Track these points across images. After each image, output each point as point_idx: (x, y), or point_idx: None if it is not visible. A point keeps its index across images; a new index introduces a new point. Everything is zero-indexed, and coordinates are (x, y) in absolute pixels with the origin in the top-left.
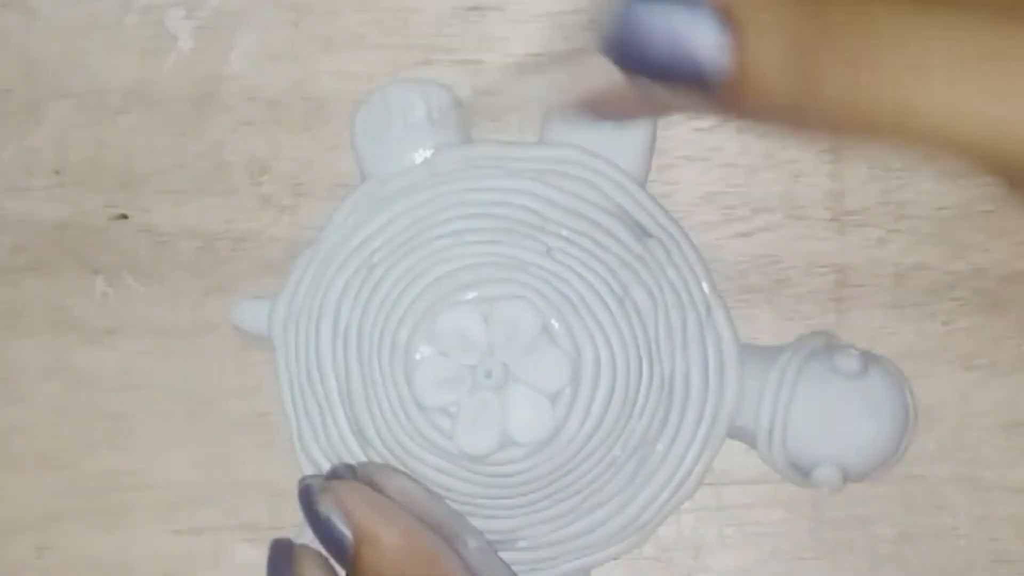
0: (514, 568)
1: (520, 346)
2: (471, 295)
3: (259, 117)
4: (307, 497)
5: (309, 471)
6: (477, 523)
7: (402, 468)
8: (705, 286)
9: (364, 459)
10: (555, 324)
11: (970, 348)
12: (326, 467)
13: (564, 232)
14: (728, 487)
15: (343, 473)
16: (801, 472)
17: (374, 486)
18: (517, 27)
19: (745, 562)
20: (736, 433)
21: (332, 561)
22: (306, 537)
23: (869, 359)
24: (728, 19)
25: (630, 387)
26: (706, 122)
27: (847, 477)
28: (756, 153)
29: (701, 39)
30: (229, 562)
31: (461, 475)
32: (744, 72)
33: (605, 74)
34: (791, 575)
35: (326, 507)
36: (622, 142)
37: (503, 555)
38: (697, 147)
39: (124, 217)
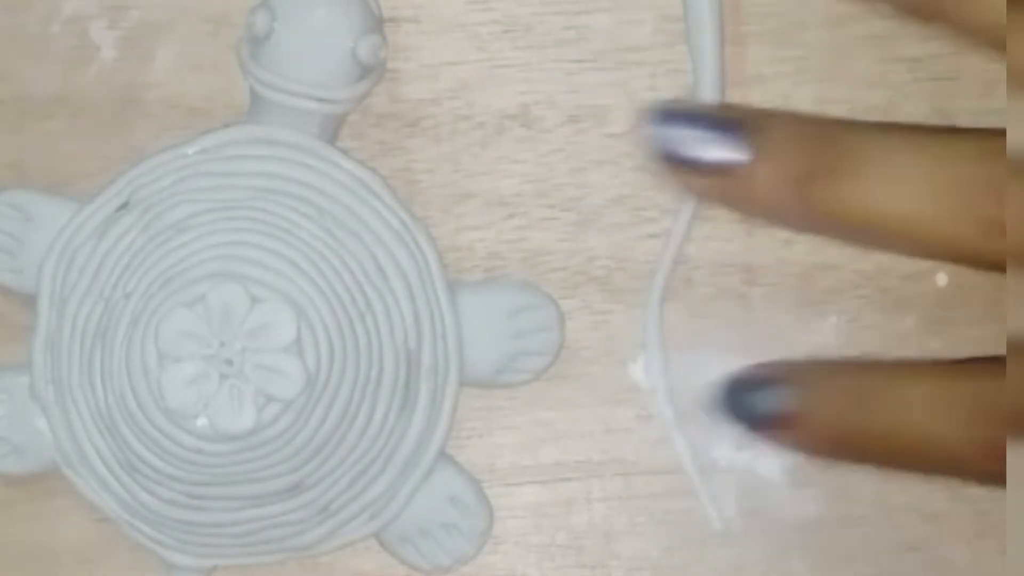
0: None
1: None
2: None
3: (180, 124)
4: None
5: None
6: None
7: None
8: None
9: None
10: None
11: (875, 345)
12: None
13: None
14: (638, 476)
15: None
16: None
17: None
18: (432, 38)
19: (655, 549)
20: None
21: None
22: None
23: None
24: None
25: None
26: (615, 128)
27: None
28: None
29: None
30: None
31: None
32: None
33: None
34: (700, 563)
35: None
36: None
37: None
38: (609, 151)
39: None
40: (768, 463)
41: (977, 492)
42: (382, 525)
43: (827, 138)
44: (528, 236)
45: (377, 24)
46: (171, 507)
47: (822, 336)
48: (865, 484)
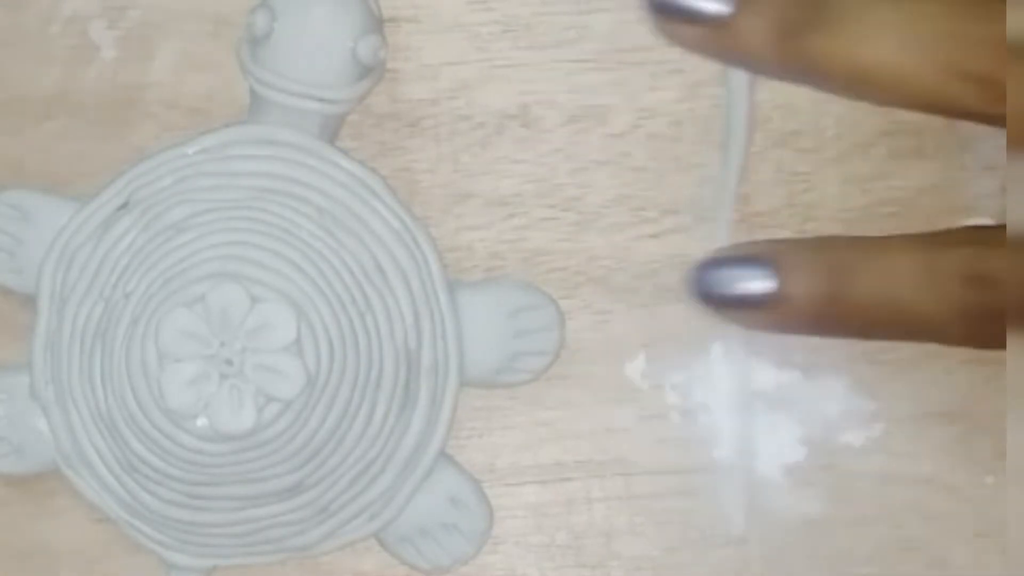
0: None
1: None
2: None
3: (180, 124)
4: None
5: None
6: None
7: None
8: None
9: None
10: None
11: (876, 343)
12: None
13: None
14: (638, 476)
15: None
16: None
17: None
18: (432, 38)
19: (655, 550)
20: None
21: None
22: None
23: None
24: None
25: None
26: (617, 127)
27: None
28: (665, 157)
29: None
30: None
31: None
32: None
33: None
34: (700, 563)
35: None
36: None
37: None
38: (608, 151)
39: None
40: (768, 463)
41: (977, 492)
42: (382, 525)
43: None
44: (528, 236)
45: (377, 24)
46: (171, 507)
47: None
48: (865, 484)
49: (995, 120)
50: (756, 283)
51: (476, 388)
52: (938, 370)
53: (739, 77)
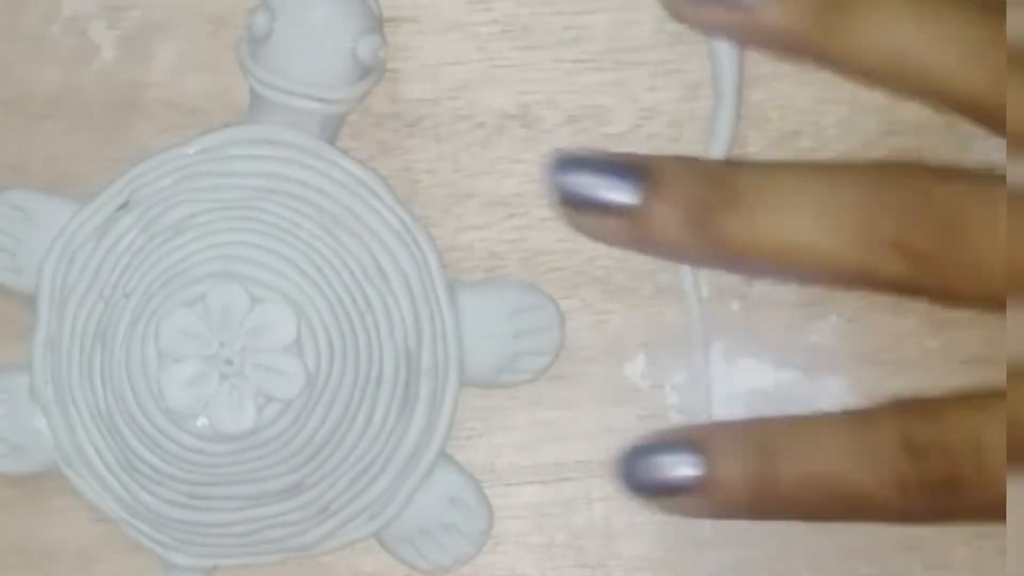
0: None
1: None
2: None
3: (180, 124)
4: None
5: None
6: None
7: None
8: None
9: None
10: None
11: (875, 345)
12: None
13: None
14: None
15: None
16: None
17: None
18: (432, 38)
19: (655, 550)
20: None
21: None
22: None
23: None
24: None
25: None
26: (615, 128)
27: None
28: None
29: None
30: None
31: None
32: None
33: None
34: (700, 563)
35: None
36: None
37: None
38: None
39: None
40: None
41: None
42: (382, 525)
43: (716, 177)
44: (528, 236)
45: (377, 24)
46: (171, 507)
47: (822, 336)
48: None
49: (920, 290)
50: (684, 469)
51: (476, 388)
52: (937, 371)
53: (727, 54)
